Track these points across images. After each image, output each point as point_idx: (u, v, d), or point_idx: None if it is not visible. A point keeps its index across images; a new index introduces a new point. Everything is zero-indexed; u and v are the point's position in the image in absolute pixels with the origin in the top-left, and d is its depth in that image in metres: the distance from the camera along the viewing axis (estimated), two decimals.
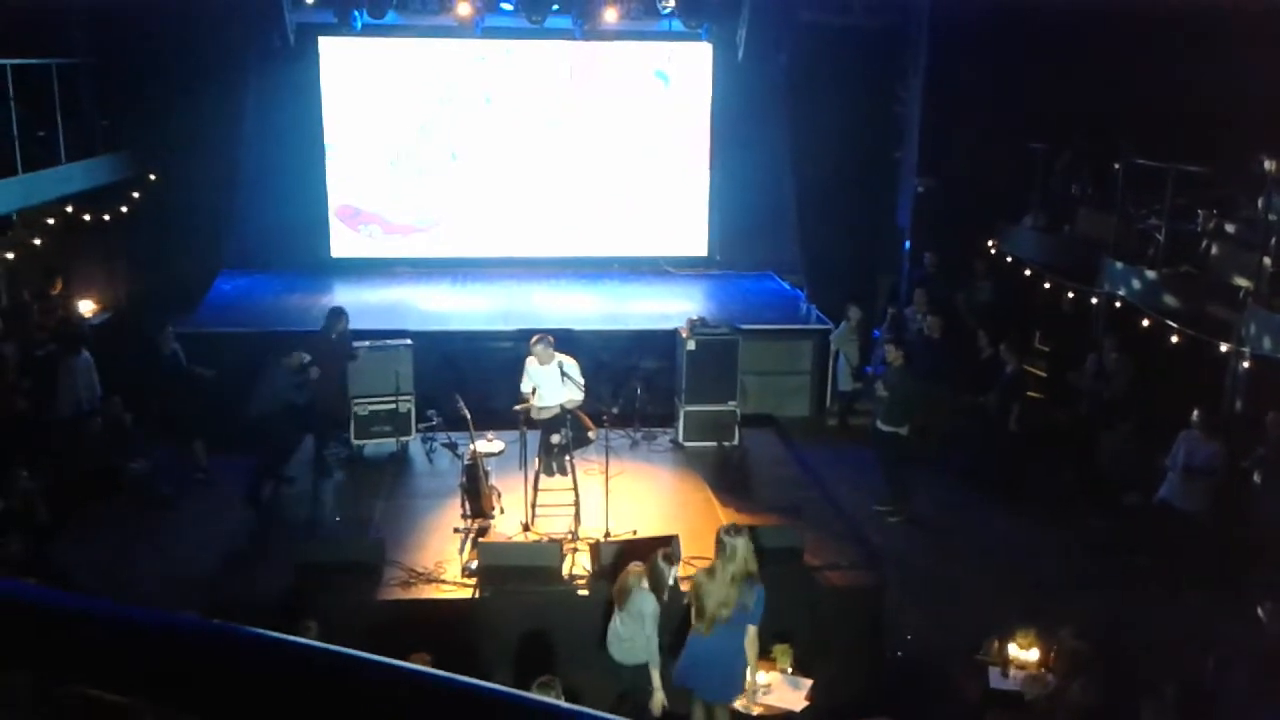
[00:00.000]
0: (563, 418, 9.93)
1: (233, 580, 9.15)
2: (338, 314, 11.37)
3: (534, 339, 10.20)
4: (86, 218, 13.58)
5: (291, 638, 0.85)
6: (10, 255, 12.47)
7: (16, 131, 11.54)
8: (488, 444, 10.07)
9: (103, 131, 13.95)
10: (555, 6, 14.30)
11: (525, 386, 10.05)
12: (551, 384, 9.96)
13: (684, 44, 15.92)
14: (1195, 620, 8.98)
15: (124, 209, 14.03)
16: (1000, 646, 7.61)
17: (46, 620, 0.90)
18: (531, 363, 10.11)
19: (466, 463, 9.70)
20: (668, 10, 14.47)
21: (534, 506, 10.05)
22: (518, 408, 10.00)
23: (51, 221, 13.29)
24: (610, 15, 14.30)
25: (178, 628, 0.86)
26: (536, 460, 10.19)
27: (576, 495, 10.20)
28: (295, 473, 11.27)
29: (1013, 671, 7.49)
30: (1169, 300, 10.92)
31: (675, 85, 16.46)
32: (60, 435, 11.33)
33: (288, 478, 10.94)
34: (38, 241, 13.18)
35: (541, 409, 10.01)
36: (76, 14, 13.79)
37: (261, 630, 0.86)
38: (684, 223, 16.82)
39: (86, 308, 11.46)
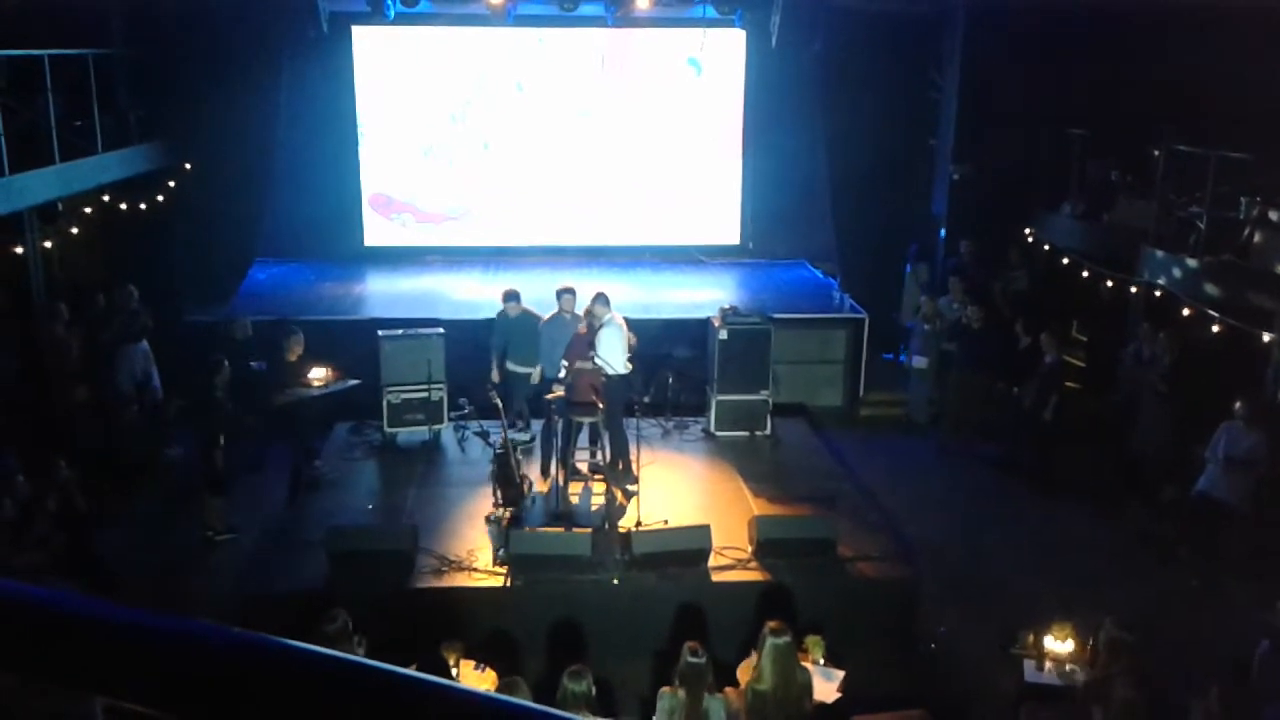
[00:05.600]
0: None
1: (267, 567, 9.21)
2: (568, 293, 11.11)
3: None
4: (123, 207, 13.69)
5: (310, 647, 0.82)
6: (48, 244, 12.57)
7: (54, 121, 11.63)
8: (519, 433, 10.07)
9: (138, 121, 14.05)
10: None
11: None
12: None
13: (717, 31, 15.80)
14: (1235, 613, 8.87)
15: (160, 198, 14.14)
16: (1036, 639, 7.52)
17: (61, 626, 0.88)
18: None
19: (498, 451, 9.71)
20: None
21: (566, 495, 10.07)
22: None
23: (89, 211, 13.41)
24: (642, 2, 14.23)
25: (194, 635, 0.83)
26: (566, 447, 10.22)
27: (608, 484, 10.21)
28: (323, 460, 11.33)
29: (1048, 664, 7.40)
30: (1210, 289, 10.74)
31: (708, 72, 16.36)
32: (97, 425, 11.47)
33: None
34: (75, 230, 13.32)
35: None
36: (112, 5, 13.89)
37: (280, 639, 0.83)
38: (717, 211, 16.75)
39: (318, 375, 11.14)
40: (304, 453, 10.87)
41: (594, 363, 9.96)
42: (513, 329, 11.35)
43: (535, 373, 11.08)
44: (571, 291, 10.86)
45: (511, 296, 11.35)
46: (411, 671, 0.80)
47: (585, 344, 10.13)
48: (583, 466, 10.69)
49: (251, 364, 11.20)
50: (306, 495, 10.54)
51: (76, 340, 11.97)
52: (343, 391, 11.19)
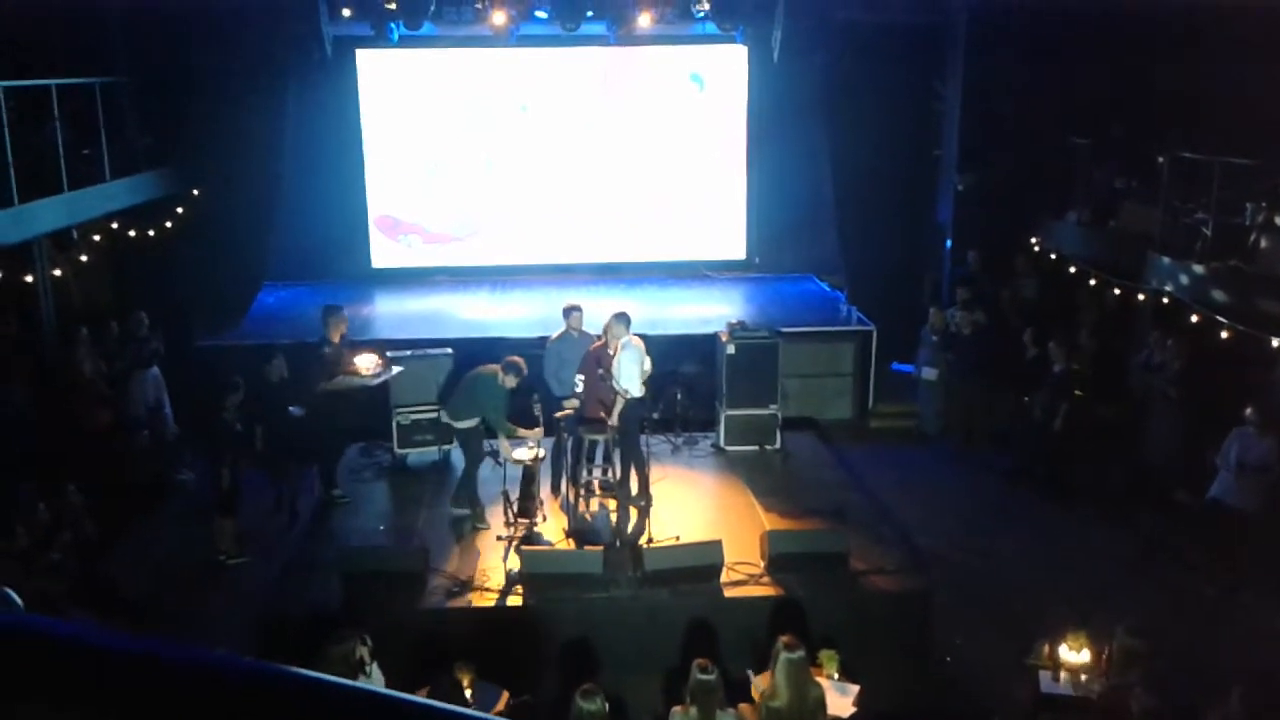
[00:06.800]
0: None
1: (280, 590, 9.20)
2: (576, 310, 10.92)
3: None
4: (132, 234, 13.78)
5: (320, 676, 0.83)
6: (58, 272, 12.64)
7: (62, 150, 11.71)
8: (529, 450, 10.07)
9: (146, 148, 14.15)
10: (589, 13, 14.32)
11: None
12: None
13: (719, 46, 15.89)
14: (1250, 620, 8.82)
15: (168, 224, 14.22)
16: (1051, 649, 7.48)
17: (76, 656, 0.89)
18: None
19: (527, 465, 9.71)
20: (702, 13, 14.45)
21: (577, 512, 10.05)
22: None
23: (99, 238, 13.50)
24: (644, 20, 14.30)
25: (207, 665, 0.84)
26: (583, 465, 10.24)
27: (619, 501, 10.19)
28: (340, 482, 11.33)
29: (1064, 675, 7.36)
30: (1217, 295, 10.72)
31: (711, 88, 16.42)
32: (110, 450, 11.50)
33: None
34: (84, 258, 13.39)
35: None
36: (118, 33, 14.01)
37: (288, 668, 0.84)
38: (722, 226, 16.77)
39: (368, 362, 10.75)
40: (325, 477, 10.88)
41: (605, 382, 9.97)
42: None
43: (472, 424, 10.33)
44: (579, 309, 10.86)
45: (512, 368, 9.98)
46: (420, 699, 0.81)
47: (595, 360, 10.13)
48: (594, 484, 10.68)
49: (290, 409, 10.80)
50: (320, 518, 10.56)
51: (96, 365, 12.04)
52: (387, 380, 11.12)
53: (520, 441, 9.97)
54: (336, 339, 10.74)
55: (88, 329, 12.26)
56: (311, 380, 10.57)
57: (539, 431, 10.01)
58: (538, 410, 10.07)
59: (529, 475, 9.65)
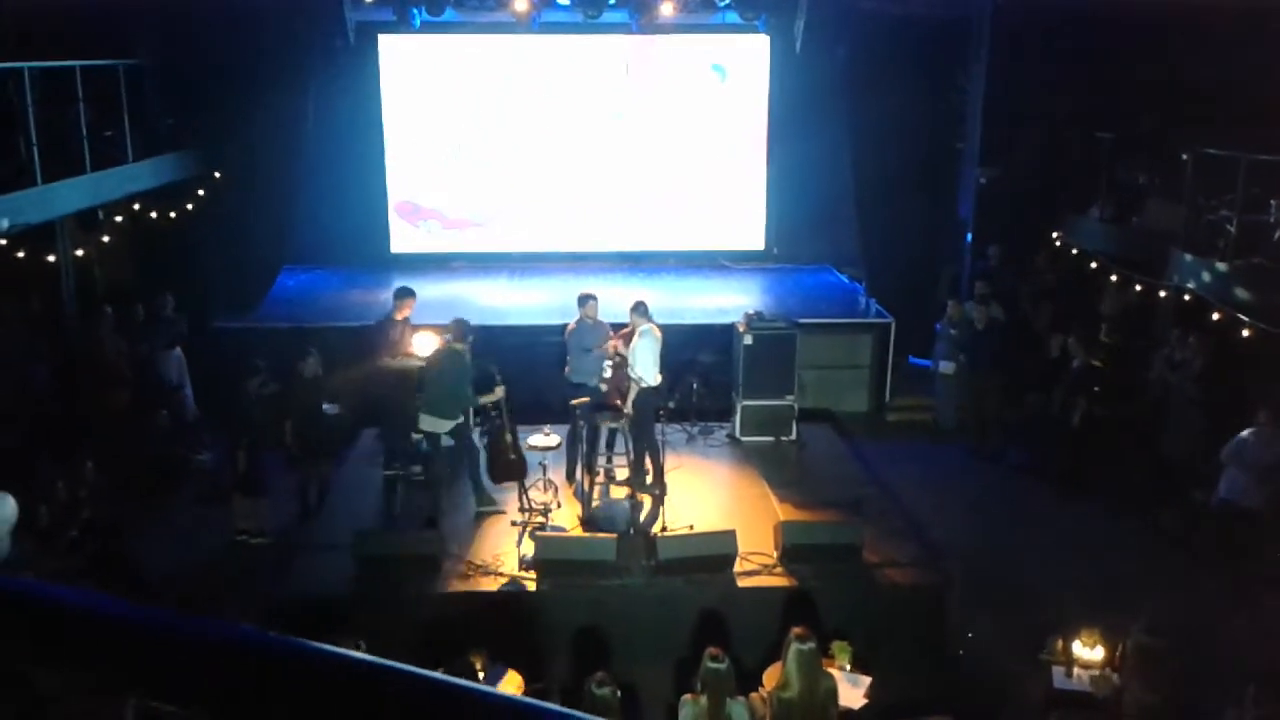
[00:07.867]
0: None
1: (295, 571, 9.25)
2: (591, 299, 10.93)
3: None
4: (154, 215, 13.84)
5: (340, 650, 0.84)
6: (80, 252, 12.72)
7: (85, 131, 11.77)
8: (544, 438, 10.10)
9: (168, 131, 14.20)
10: (612, 1, 14.29)
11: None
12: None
13: (741, 36, 15.84)
14: (1265, 619, 8.78)
15: (190, 206, 14.28)
16: (1064, 645, 7.47)
17: (100, 627, 0.90)
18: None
19: (496, 424, 9.69)
20: (724, 3, 14.41)
21: (591, 500, 10.08)
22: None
23: (120, 219, 13.57)
24: (666, 9, 14.27)
25: (222, 636, 0.85)
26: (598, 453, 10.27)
27: (633, 489, 10.22)
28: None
29: (1077, 671, 7.35)
30: (1240, 293, 10.64)
31: (732, 78, 16.37)
32: (129, 430, 11.58)
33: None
34: (106, 239, 13.47)
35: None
36: (142, 16, 14.06)
37: (311, 641, 0.85)
38: (741, 216, 16.74)
39: (430, 345, 10.96)
40: (396, 453, 10.85)
41: (622, 368, 10.01)
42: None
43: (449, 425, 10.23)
44: (594, 298, 10.87)
45: (459, 326, 10.20)
46: (439, 675, 0.81)
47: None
48: (610, 471, 10.70)
49: (325, 407, 10.71)
50: (336, 500, 10.61)
51: (118, 345, 12.12)
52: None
53: (535, 429, 10.02)
54: (400, 319, 10.84)
55: (112, 309, 12.35)
56: (375, 355, 10.63)
57: (500, 391, 9.93)
58: (494, 369, 10.04)
59: (497, 437, 9.67)
